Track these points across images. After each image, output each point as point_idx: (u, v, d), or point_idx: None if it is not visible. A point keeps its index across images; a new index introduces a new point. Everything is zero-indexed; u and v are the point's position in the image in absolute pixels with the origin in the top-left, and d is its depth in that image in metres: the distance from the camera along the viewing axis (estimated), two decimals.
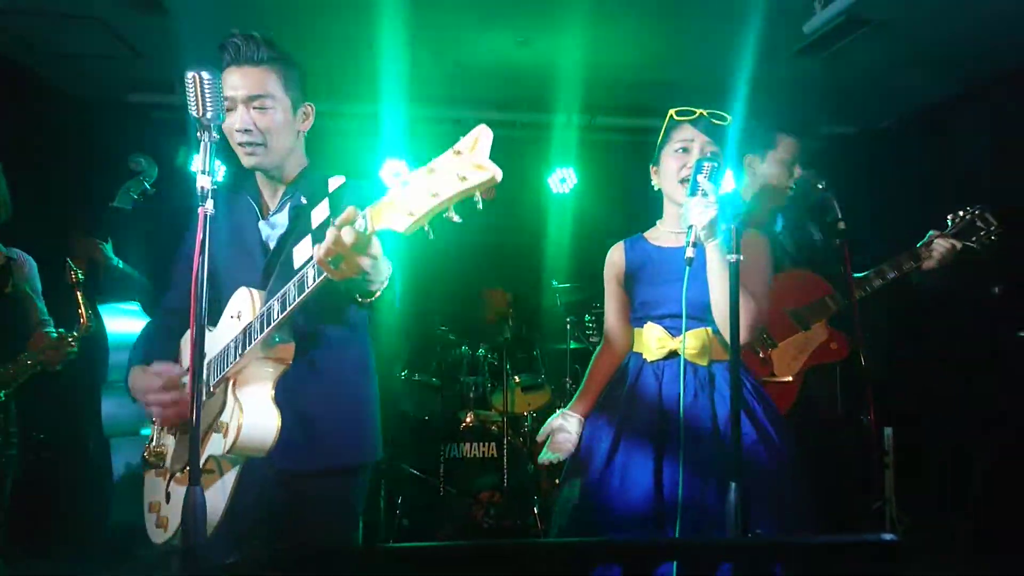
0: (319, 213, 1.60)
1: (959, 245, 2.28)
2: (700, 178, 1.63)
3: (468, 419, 4.02)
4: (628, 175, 4.12)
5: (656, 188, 1.94)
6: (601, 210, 4.69)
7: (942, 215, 2.34)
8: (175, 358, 1.73)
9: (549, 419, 1.96)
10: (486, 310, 4.56)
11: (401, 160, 4.65)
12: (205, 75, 1.37)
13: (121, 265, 3.23)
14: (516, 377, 4.07)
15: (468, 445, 3.96)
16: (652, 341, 1.83)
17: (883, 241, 2.46)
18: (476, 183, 1.12)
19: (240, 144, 1.66)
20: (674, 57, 3.85)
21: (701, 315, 1.75)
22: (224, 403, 1.51)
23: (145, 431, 2.10)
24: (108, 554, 2.92)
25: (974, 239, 2.31)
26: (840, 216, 2.05)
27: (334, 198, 1.62)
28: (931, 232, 2.34)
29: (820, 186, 2.26)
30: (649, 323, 1.85)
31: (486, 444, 3.97)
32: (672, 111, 1.86)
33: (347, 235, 1.24)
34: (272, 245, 1.70)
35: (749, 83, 3.73)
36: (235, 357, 1.51)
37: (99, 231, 3.22)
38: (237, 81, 1.62)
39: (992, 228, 2.30)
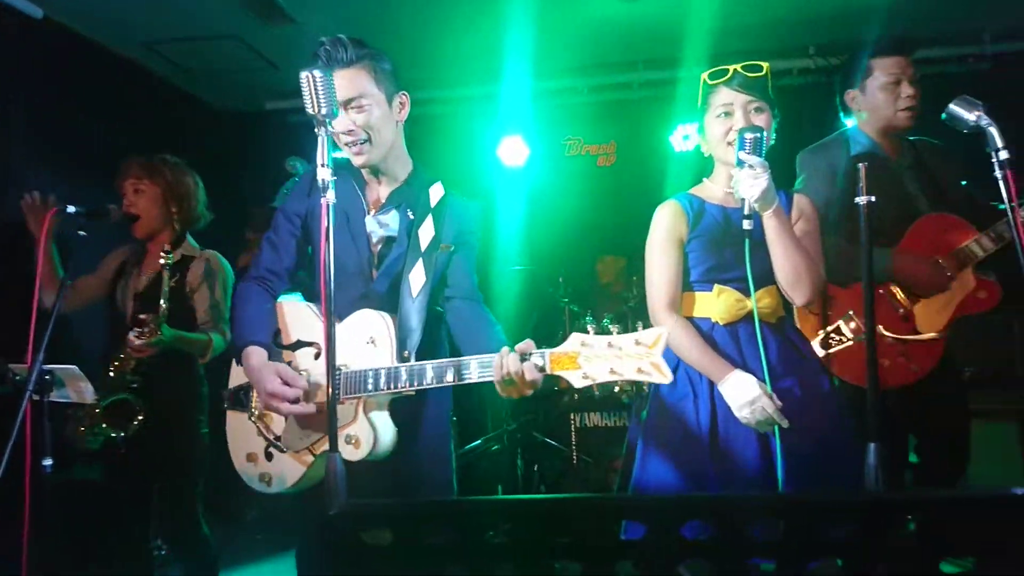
0: (425, 233, 1.78)
1: None
2: (743, 154, 1.66)
3: (596, 390, 4.03)
4: None
5: (707, 155, 1.92)
6: None
7: None
8: (277, 330, 1.80)
9: (746, 392, 1.68)
10: (602, 278, 4.52)
11: (517, 136, 4.68)
12: (317, 74, 1.46)
13: None
14: None
15: (598, 415, 4.01)
16: (729, 303, 1.81)
17: None
18: (650, 380, 1.34)
19: (347, 145, 1.75)
20: None
21: (767, 278, 1.80)
22: (355, 418, 1.64)
23: None
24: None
25: None
26: (1001, 145, 1.76)
27: (436, 215, 1.79)
28: None
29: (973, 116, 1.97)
30: (718, 286, 1.83)
31: (616, 414, 3.99)
32: (704, 75, 1.85)
33: (530, 374, 1.44)
34: (375, 241, 1.80)
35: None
36: (376, 389, 1.61)
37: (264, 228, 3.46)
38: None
39: None
